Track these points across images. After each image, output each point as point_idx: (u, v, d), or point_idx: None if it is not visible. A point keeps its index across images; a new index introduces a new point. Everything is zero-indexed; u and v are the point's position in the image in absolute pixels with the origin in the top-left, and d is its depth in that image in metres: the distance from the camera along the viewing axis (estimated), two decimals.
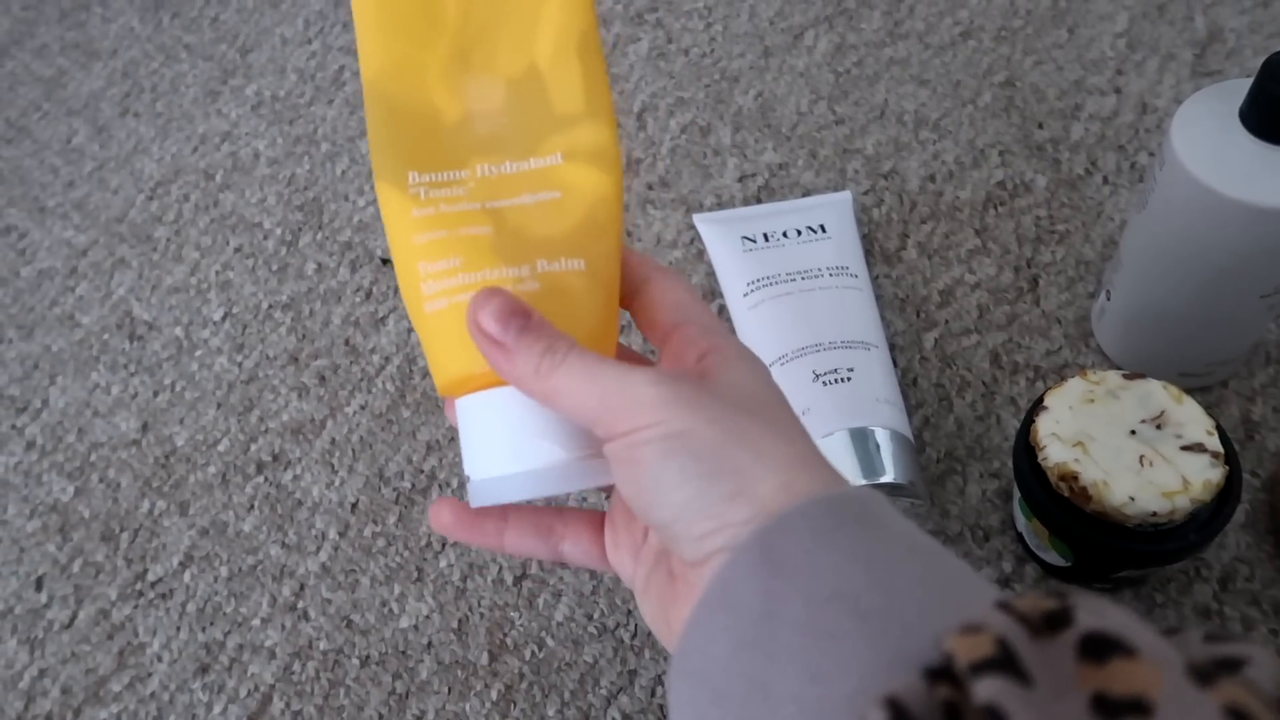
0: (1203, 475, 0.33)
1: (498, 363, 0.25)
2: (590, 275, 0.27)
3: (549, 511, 0.31)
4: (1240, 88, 0.36)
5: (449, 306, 0.27)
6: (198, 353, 0.49)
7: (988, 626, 0.18)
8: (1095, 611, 0.18)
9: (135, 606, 0.42)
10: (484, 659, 0.39)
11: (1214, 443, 0.34)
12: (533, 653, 0.39)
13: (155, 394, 0.48)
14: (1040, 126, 0.52)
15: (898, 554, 0.21)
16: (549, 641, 0.39)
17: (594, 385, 0.24)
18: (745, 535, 0.22)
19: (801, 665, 0.19)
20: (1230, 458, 0.35)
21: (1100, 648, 0.17)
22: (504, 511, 0.30)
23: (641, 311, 0.29)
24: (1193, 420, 0.35)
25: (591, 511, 0.31)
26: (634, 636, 0.39)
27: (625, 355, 0.31)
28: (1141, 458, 0.34)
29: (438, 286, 0.27)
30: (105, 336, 0.50)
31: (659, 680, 0.38)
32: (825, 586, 0.20)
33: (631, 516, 0.29)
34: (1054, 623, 0.18)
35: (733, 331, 0.43)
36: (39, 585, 0.43)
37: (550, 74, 0.29)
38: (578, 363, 0.24)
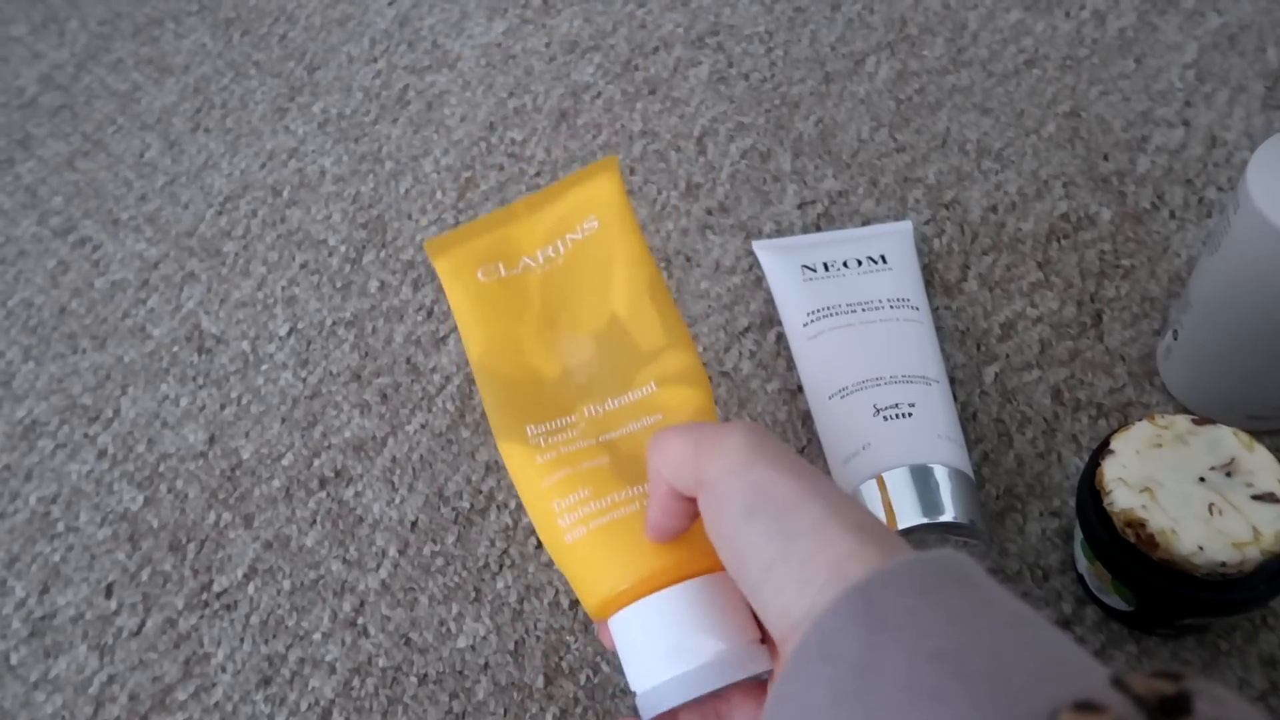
0: (1274, 526, 0.33)
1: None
2: None
3: (708, 694, 0.31)
4: None
5: (587, 534, 0.30)
6: (263, 367, 0.50)
7: (1106, 707, 0.17)
8: (1215, 700, 0.18)
9: (201, 616, 0.43)
10: (539, 682, 0.39)
11: None
12: (588, 677, 0.39)
13: (222, 407, 0.49)
14: (1106, 158, 0.52)
15: (1001, 619, 0.21)
16: (604, 667, 0.40)
17: (690, 433, 0.27)
18: (827, 600, 0.22)
19: None
20: None
21: None
22: (672, 711, 0.30)
23: None
24: (1264, 468, 0.34)
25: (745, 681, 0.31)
26: None
27: None
28: (1211, 506, 0.33)
29: (573, 518, 0.31)
30: (175, 349, 0.51)
31: None
32: (928, 645, 0.20)
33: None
34: (1170, 709, 0.17)
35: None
36: (109, 592, 0.44)
37: (630, 320, 0.33)
38: (679, 425, 0.28)
